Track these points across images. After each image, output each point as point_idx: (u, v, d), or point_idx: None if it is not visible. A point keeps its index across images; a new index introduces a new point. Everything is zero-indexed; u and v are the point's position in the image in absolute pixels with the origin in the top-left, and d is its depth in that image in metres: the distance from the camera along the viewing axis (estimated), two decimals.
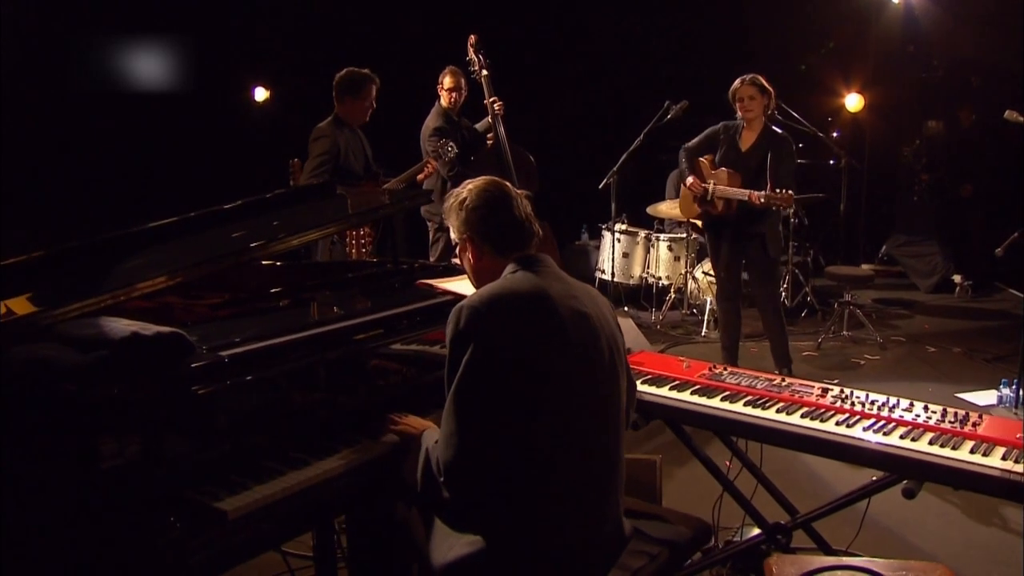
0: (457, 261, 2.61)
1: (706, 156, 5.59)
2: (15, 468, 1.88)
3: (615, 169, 6.88)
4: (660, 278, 7.81)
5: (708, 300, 7.34)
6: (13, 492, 1.88)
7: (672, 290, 7.76)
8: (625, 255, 7.90)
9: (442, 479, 2.15)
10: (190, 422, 2.05)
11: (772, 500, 3.29)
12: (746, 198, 5.21)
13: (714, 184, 5.42)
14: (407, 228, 7.19)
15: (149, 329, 2.00)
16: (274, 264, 3.40)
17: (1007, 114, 4.77)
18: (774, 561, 2.30)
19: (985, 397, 5.30)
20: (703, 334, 7.24)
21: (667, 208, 7.68)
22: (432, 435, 2.31)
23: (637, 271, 7.93)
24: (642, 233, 7.93)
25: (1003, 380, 5.28)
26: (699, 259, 7.66)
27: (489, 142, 6.24)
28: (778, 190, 5.12)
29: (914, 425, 2.69)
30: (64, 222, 6.78)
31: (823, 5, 9.67)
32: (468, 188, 2.39)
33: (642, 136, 6.76)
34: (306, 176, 5.41)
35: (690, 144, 5.68)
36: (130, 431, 1.86)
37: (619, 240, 7.78)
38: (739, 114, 5.39)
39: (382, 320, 2.67)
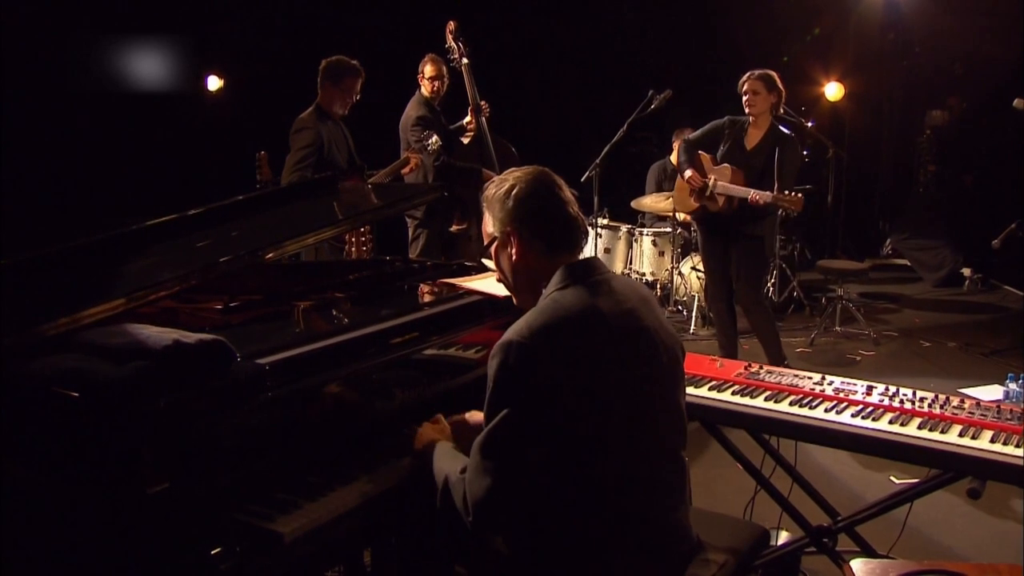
0: (487, 261, 2.43)
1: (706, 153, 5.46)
2: (57, 499, 1.68)
3: (597, 162, 6.72)
4: (644, 274, 7.65)
5: (696, 297, 7.20)
6: (58, 523, 1.67)
7: (657, 287, 7.62)
8: (607, 250, 7.74)
9: (470, 518, 1.93)
10: (237, 436, 1.85)
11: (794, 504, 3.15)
12: (747, 197, 5.09)
13: (715, 179, 5.28)
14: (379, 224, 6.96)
15: (190, 336, 1.79)
16: (275, 264, 3.18)
17: (1016, 102, 4.70)
18: (856, 566, 2.17)
19: (990, 392, 5.18)
20: (692, 331, 7.12)
21: (651, 202, 7.54)
22: (446, 454, 2.10)
23: (619, 267, 7.74)
24: (624, 227, 7.79)
25: (1009, 375, 5.20)
26: (684, 254, 7.52)
27: (470, 133, 6.05)
28: (787, 192, 5.01)
29: (969, 422, 2.62)
30: (30, 223, 6.45)
31: None
32: (515, 176, 2.13)
33: (625, 127, 6.62)
34: (289, 170, 5.17)
35: (692, 137, 5.55)
36: (179, 448, 1.67)
37: (600, 235, 7.61)
38: (746, 110, 5.27)
39: (417, 322, 2.50)
